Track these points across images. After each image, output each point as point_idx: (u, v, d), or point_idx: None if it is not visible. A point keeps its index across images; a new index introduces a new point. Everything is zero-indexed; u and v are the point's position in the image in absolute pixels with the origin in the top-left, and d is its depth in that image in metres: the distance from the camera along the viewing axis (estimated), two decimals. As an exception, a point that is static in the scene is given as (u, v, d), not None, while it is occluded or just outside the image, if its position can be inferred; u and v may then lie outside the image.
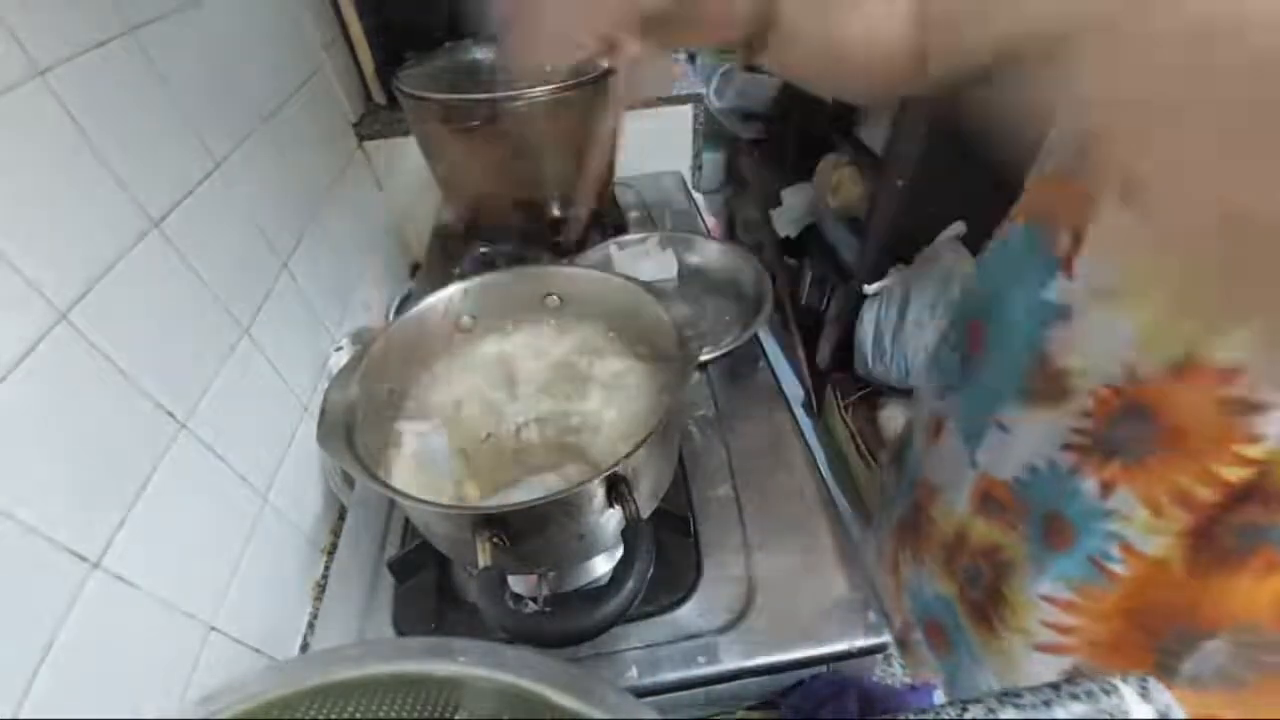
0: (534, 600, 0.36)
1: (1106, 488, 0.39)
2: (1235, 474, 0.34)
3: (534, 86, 0.70)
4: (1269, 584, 0.36)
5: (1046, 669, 0.46)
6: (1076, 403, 0.39)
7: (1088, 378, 0.38)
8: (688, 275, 0.83)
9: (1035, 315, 0.41)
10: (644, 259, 0.75)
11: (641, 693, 0.45)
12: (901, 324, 1.22)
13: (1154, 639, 0.41)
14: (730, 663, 0.46)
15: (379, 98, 1.05)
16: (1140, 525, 0.38)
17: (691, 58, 1.73)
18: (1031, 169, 0.46)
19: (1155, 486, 0.37)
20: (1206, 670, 0.39)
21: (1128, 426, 0.37)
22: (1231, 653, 0.39)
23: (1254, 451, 0.33)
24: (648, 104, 1.05)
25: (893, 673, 0.52)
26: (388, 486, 0.40)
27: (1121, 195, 0.35)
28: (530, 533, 0.41)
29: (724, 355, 0.68)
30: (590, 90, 0.73)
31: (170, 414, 0.46)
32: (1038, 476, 0.44)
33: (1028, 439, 0.43)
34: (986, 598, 0.50)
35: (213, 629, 0.47)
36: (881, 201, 1.18)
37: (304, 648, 0.57)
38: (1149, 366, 0.35)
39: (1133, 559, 0.39)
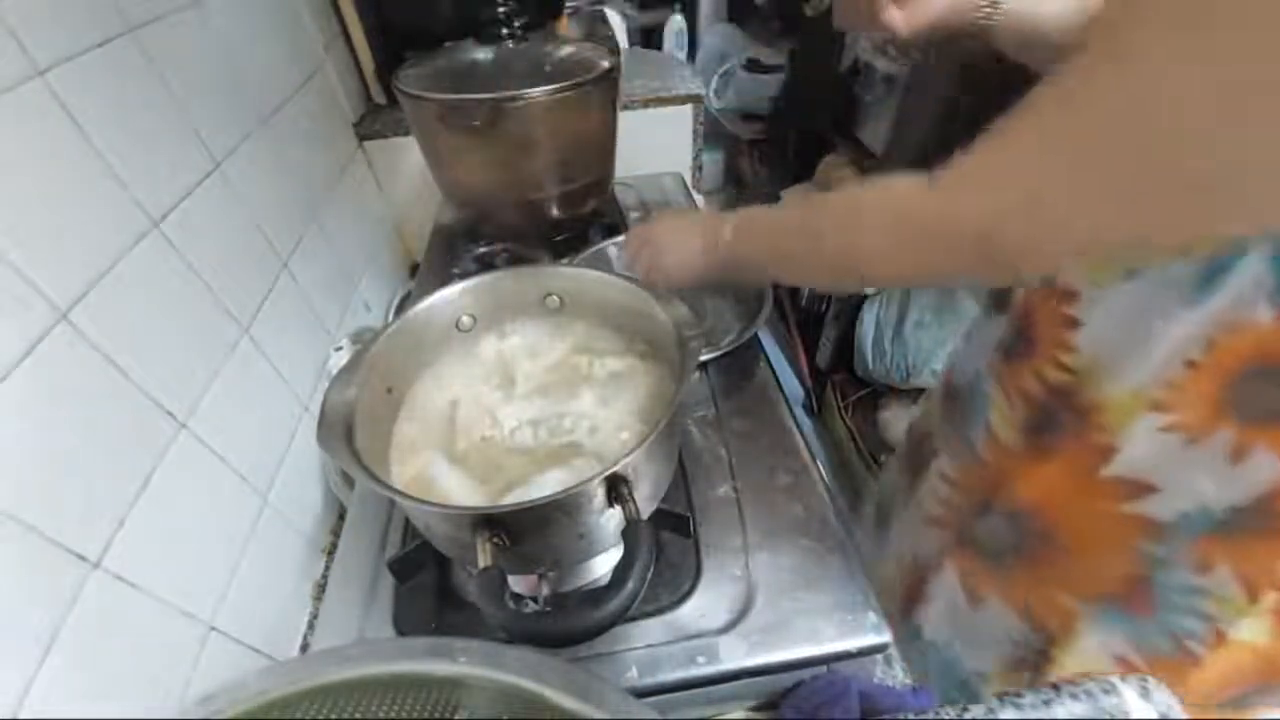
0: (534, 600, 0.36)
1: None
2: (1056, 376, 0.45)
3: (534, 86, 0.70)
4: (1048, 468, 0.46)
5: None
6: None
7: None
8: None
9: None
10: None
11: (641, 693, 0.45)
12: (901, 324, 1.22)
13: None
14: (730, 663, 0.46)
15: (379, 98, 1.05)
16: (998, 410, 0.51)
17: (691, 57, 1.73)
18: None
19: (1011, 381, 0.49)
20: (990, 538, 0.52)
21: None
22: (1007, 526, 0.49)
23: (1068, 359, 0.44)
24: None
25: (893, 673, 0.52)
26: (388, 486, 0.40)
27: None
28: (530, 533, 0.41)
29: (724, 355, 0.68)
30: (590, 90, 0.74)
31: (170, 414, 0.46)
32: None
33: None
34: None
35: (213, 629, 0.47)
36: (881, 202, 1.17)
37: (304, 648, 0.57)
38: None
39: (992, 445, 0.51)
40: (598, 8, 1.25)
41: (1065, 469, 0.45)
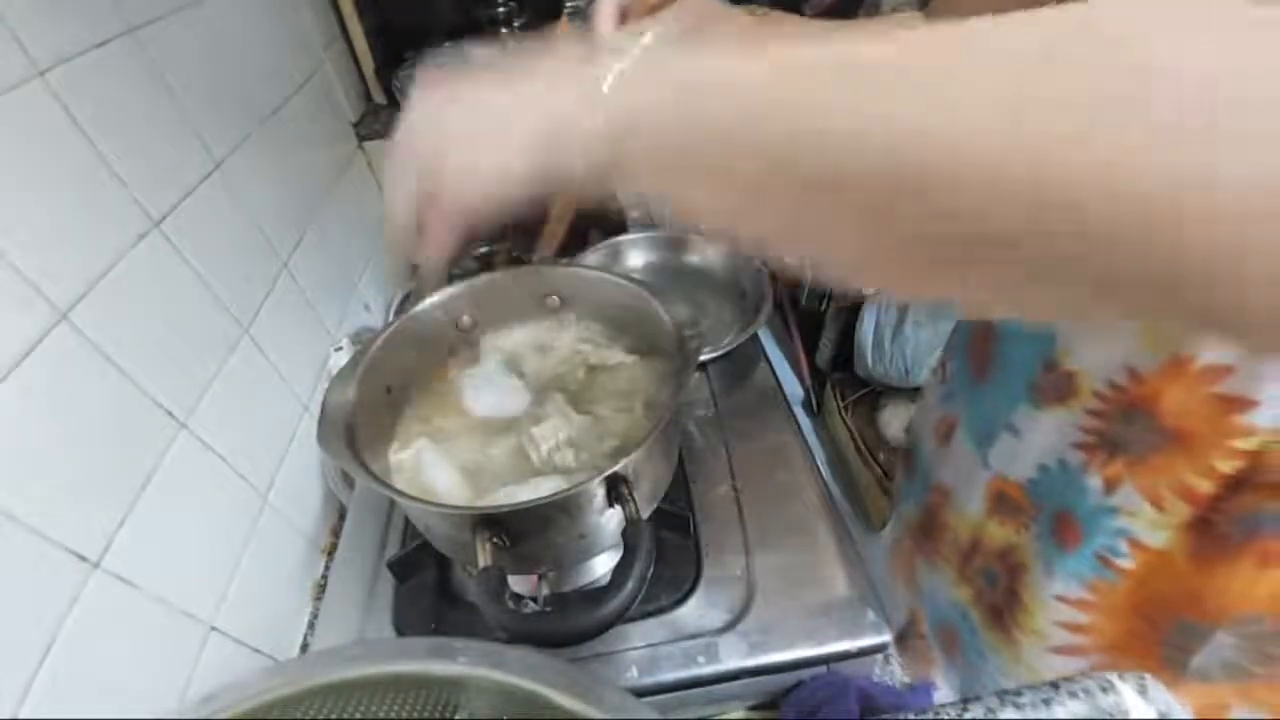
0: (534, 600, 0.36)
1: (1111, 484, 0.40)
2: (1230, 465, 0.35)
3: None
4: (1267, 576, 0.36)
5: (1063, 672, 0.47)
6: (1083, 401, 0.40)
7: (1093, 377, 0.39)
8: (688, 275, 0.83)
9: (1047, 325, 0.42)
10: (486, 387, 0.56)
11: (641, 693, 0.45)
12: (901, 324, 1.22)
13: (1161, 634, 0.41)
14: (730, 663, 0.46)
15: (379, 98, 1.05)
16: (1145, 520, 0.39)
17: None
18: None
19: (1157, 481, 0.38)
20: (1213, 664, 0.40)
21: (1131, 423, 0.38)
22: (1238, 646, 0.39)
23: (1246, 444, 0.34)
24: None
25: (893, 672, 0.52)
26: (388, 486, 0.40)
27: None
28: (530, 533, 0.41)
29: (724, 355, 0.68)
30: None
31: (170, 414, 0.46)
32: (1049, 475, 0.44)
33: (1039, 439, 0.44)
34: (1002, 601, 0.50)
35: (213, 629, 0.47)
36: (881, 201, 1.17)
37: (304, 648, 0.57)
38: (1147, 365, 0.36)
39: (1139, 553, 0.40)
40: (597, 7, 1.25)
41: None
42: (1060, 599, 0.45)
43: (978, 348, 0.51)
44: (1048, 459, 0.44)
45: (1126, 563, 0.41)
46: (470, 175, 0.26)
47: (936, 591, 0.59)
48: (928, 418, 0.61)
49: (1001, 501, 0.49)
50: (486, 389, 0.54)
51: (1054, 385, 0.42)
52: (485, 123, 0.26)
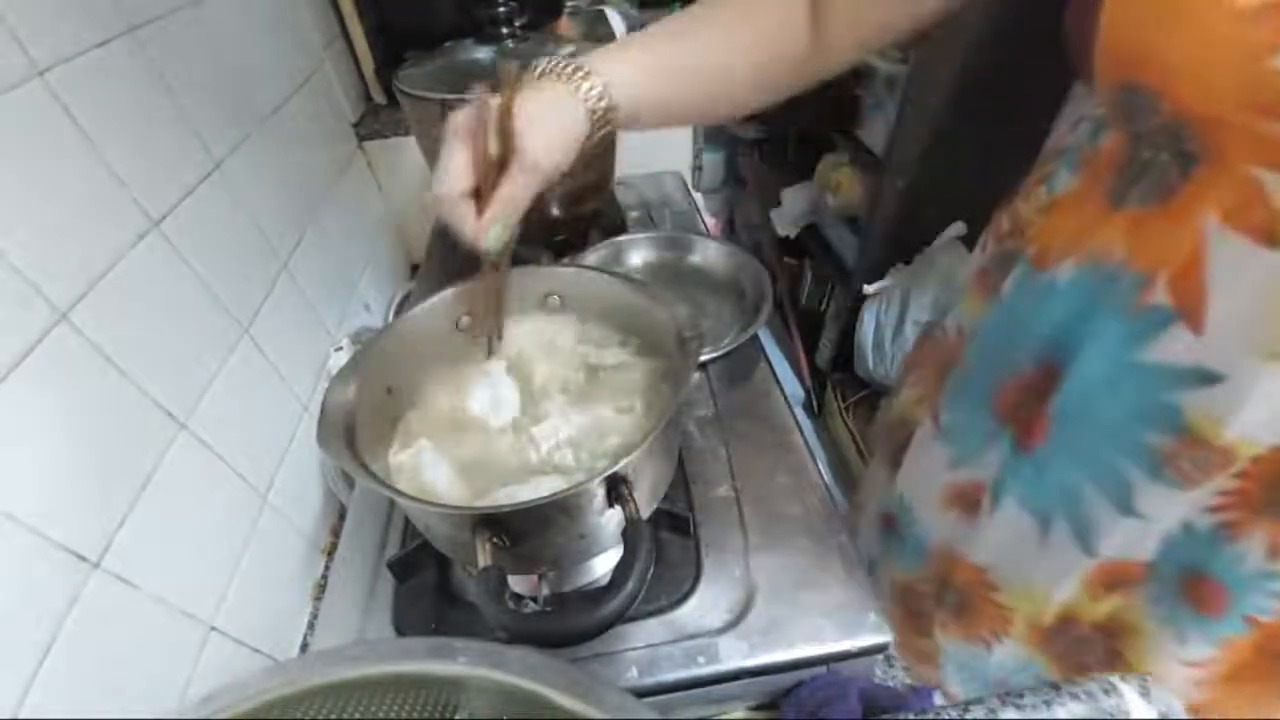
0: (534, 600, 0.36)
1: (1276, 549, 0.36)
2: None
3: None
4: None
5: None
6: (1235, 469, 0.34)
7: (1254, 444, 0.33)
8: (688, 275, 0.83)
9: (1151, 383, 0.35)
10: (486, 387, 0.55)
11: (641, 693, 0.45)
12: (901, 324, 1.22)
13: (1275, 664, 0.40)
14: (730, 663, 0.46)
15: (379, 98, 1.05)
16: None
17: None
18: (1031, 179, 0.44)
19: None
20: None
21: None
22: None
23: None
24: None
25: (893, 673, 0.52)
26: (388, 487, 0.40)
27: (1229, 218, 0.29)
28: (530, 533, 0.41)
29: (724, 355, 0.68)
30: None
31: (170, 414, 0.46)
32: (1170, 542, 0.39)
33: (1173, 515, 0.38)
34: (1095, 662, 0.47)
35: (213, 629, 0.47)
36: (881, 201, 1.17)
37: (304, 648, 0.57)
38: None
39: None
40: (598, 7, 1.24)
41: None
42: (1190, 663, 0.41)
43: (1008, 398, 0.44)
44: (1173, 528, 0.39)
45: (1270, 619, 0.38)
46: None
47: (989, 660, 0.53)
48: (925, 482, 0.55)
49: (1112, 582, 0.43)
50: (486, 389, 0.54)
51: (1200, 463, 0.35)
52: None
